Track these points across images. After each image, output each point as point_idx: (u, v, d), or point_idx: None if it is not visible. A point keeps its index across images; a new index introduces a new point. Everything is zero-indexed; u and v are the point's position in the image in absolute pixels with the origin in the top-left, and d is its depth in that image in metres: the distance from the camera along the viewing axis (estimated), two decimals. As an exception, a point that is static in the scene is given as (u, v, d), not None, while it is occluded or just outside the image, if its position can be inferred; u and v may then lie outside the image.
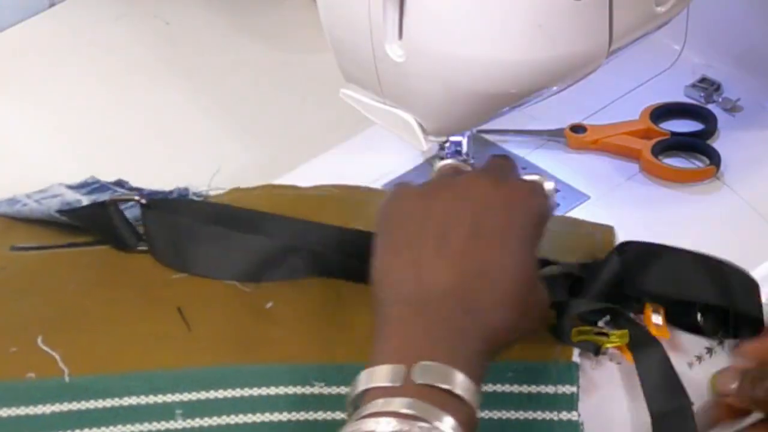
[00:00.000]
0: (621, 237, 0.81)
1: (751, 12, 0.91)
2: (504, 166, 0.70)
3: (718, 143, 0.88)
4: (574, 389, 0.69)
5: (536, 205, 0.66)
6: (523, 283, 0.63)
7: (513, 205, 0.65)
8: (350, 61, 0.75)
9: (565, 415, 0.68)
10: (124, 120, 0.97)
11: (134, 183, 0.88)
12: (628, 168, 0.87)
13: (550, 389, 0.69)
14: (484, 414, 0.68)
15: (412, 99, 0.73)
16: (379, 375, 0.58)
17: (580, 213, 0.83)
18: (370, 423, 0.56)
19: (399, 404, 0.56)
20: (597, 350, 0.71)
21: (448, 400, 0.57)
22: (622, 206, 0.84)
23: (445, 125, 0.76)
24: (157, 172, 0.91)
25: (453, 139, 0.84)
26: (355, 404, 0.59)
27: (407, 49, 0.70)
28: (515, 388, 0.69)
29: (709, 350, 0.74)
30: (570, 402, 0.68)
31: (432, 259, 0.63)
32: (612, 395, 0.71)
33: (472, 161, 0.86)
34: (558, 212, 0.83)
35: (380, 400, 0.57)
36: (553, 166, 0.87)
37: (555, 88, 0.73)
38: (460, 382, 0.58)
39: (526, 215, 0.65)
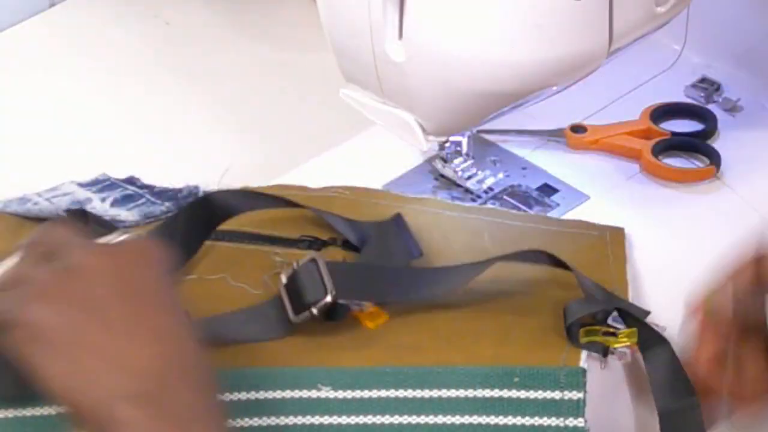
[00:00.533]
0: (621, 237, 0.82)
1: (751, 12, 0.91)
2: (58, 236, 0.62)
3: (718, 143, 0.88)
4: (581, 395, 0.68)
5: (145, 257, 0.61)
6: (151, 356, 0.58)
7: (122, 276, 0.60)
8: (350, 61, 0.75)
9: (571, 422, 0.68)
10: (124, 120, 0.97)
11: (134, 183, 0.89)
12: (628, 168, 0.87)
13: (556, 395, 0.68)
14: (489, 420, 0.68)
15: (412, 99, 0.74)
16: None
17: (580, 213, 0.83)
18: None
19: None
20: (605, 351, 0.71)
21: None
22: (622, 206, 0.83)
23: (445, 125, 0.76)
24: (157, 172, 0.91)
25: (453, 139, 0.85)
26: None
27: (407, 49, 0.70)
28: (521, 394, 0.69)
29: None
30: (576, 408, 0.68)
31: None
32: (618, 397, 0.71)
33: (472, 161, 0.86)
34: (558, 212, 0.83)
35: None
36: (553, 166, 0.87)
37: (555, 88, 0.73)
38: None
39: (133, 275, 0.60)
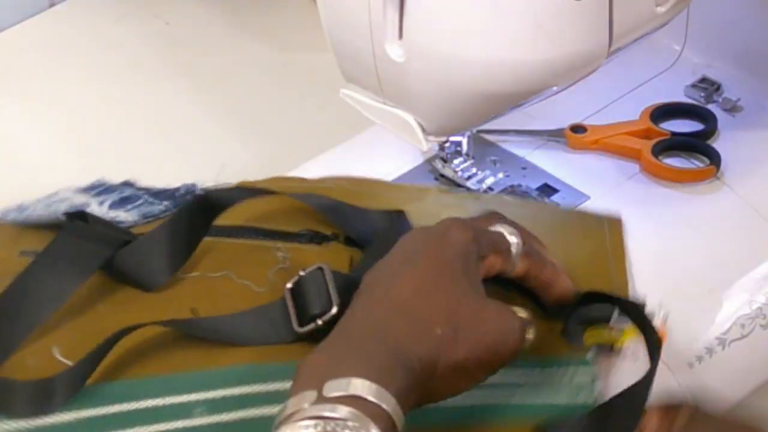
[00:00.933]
0: (621, 237, 0.82)
1: (751, 12, 0.91)
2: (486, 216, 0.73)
3: (718, 143, 0.88)
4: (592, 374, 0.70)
5: (456, 239, 0.67)
6: (442, 315, 0.65)
7: (431, 243, 0.68)
8: (350, 62, 0.75)
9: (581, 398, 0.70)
10: (125, 120, 0.97)
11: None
12: (628, 168, 0.87)
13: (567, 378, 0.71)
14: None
15: (412, 99, 0.74)
16: (295, 400, 0.59)
17: (580, 213, 0.83)
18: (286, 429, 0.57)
19: (315, 410, 0.58)
20: (611, 348, 0.71)
21: (367, 409, 0.58)
22: (622, 206, 0.83)
23: (445, 125, 0.76)
24: (157, 171, 0.91)
25: (453, 139, 0.85)
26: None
27: (407, 49, 0.70)
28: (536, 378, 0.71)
29: (709, 350, 0.74)
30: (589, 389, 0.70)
31: (359, 310, 0.66)
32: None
33: (472, 161, 0.86)
34: (558, 212, 0.83)
35: (293, 416, 0.58)
36: (553, 166, 0.87)
37: (555, 88, 0.73)
38: (369, 389, 0.59)
39: (444, 248, 0.67)
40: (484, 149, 0.88)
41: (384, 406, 0.59)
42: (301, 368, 0.62)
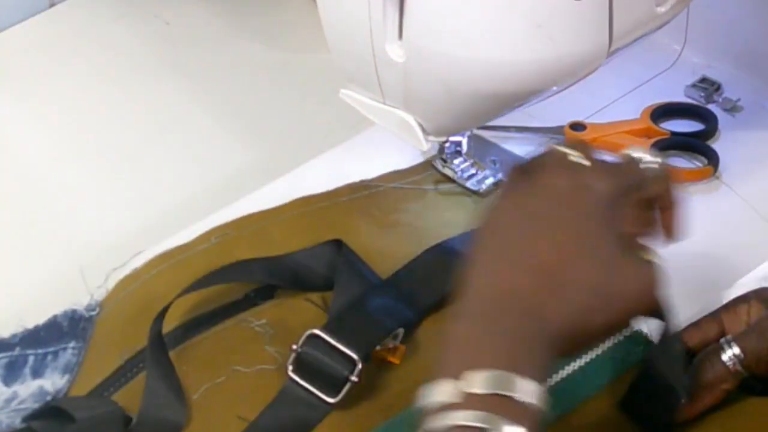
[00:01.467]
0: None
1: (751, 12, 0.91)
2: (585, 147, 0.66)
3: (718, 143, 0.88)
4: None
5: (601, 188, 0.62)
6: (592, 279, 0.60)
7: (577, 197, 0.62)
8: (350, 62, 0.75)
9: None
10: (125, 119, 0.97)
11: (134, 183, 0.89)
12: (628, 168, 0.87)
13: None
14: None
15: (412, 99, 0.73)
16: (436, 391, 0.56)
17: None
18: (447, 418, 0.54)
19: (457, 417, 0.54)
20: None
21: (510, 406, 0.55)
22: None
23: (445, 125, 0.76)
24: (156, 171, 0.91)
25: (453, 139, 0.85)
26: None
27: (407, 49, 0.70)
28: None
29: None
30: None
31: (505, 269, 0.60)
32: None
33: (472, 161, 0.86)
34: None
35: (438, 415, 0.55)
36: (553, 166, 0.87)
37: (555, 88, 0.73)
38: (521, 388, 0.55)
39: (590, 203, 0.62)
40: (484, 149, 0.88)
41: (540, 409, 0.56)
42: (456, 340, 0.58)
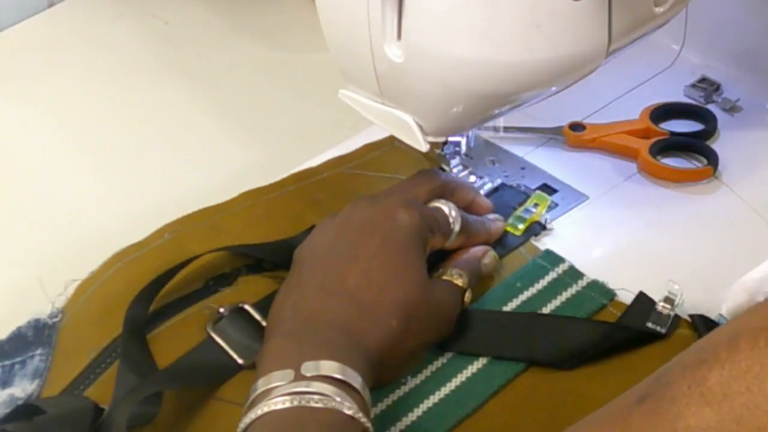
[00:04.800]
0: (620, 237, 0.81)
1: (751, 12, 0.91)
2: (416, 183, 0.77)
3: (717, 143, 0.88)
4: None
5: (405, 223, 0.70)
6: (400, 301, 0.67)
7: (379, 226, 0.70)
8: (349, 62, 0.75)
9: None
10: (124, 119, 0.97)
11: (133, 183, 0.89)
12: (627, 168, 0.87)
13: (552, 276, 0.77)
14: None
15: (411, 99, 0.73)
16: (271, 378, 0.62)
17: (579, 213, 0.83)
18: (262, 406, 0.60)
19: (290, 387, 0.60)
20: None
21: (339, 386, 0.61)
22: (621, 206, 0.83)
23: (444, 126, 0.76)
24: (156, 171, 0.91)
25: (452, 139, 0.85)
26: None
27: (406, 49, 0.70)
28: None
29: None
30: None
31: (313, 295, 0.68)
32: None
33: (471, 161, 0.86)
34: (557, 213, 0.83)
35: (272, 391, 0.61)
36: (551, 166, 0.87)
37: (554, 88, 0.73)
38: (342, 369, 0.62)
39: (394, 232, 0.70)
40: (482, 149, 0.88)
41: (354, 384, 0.62)
42: (267, 353, 0.64)
